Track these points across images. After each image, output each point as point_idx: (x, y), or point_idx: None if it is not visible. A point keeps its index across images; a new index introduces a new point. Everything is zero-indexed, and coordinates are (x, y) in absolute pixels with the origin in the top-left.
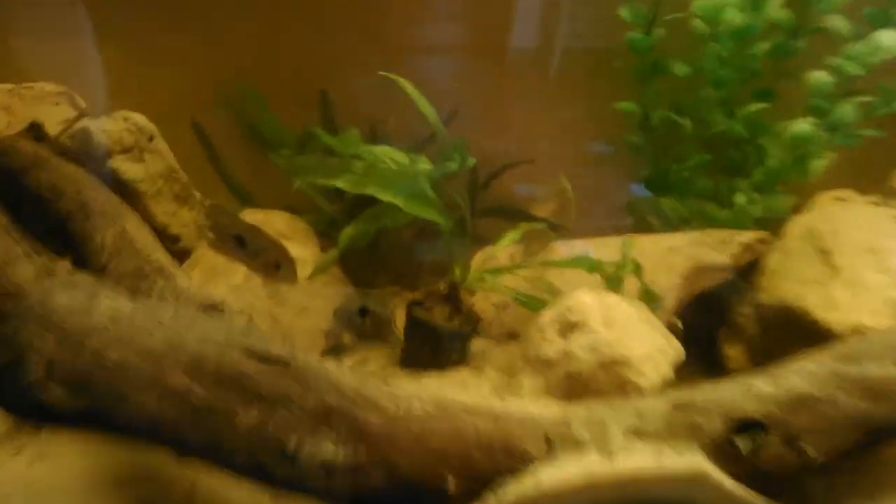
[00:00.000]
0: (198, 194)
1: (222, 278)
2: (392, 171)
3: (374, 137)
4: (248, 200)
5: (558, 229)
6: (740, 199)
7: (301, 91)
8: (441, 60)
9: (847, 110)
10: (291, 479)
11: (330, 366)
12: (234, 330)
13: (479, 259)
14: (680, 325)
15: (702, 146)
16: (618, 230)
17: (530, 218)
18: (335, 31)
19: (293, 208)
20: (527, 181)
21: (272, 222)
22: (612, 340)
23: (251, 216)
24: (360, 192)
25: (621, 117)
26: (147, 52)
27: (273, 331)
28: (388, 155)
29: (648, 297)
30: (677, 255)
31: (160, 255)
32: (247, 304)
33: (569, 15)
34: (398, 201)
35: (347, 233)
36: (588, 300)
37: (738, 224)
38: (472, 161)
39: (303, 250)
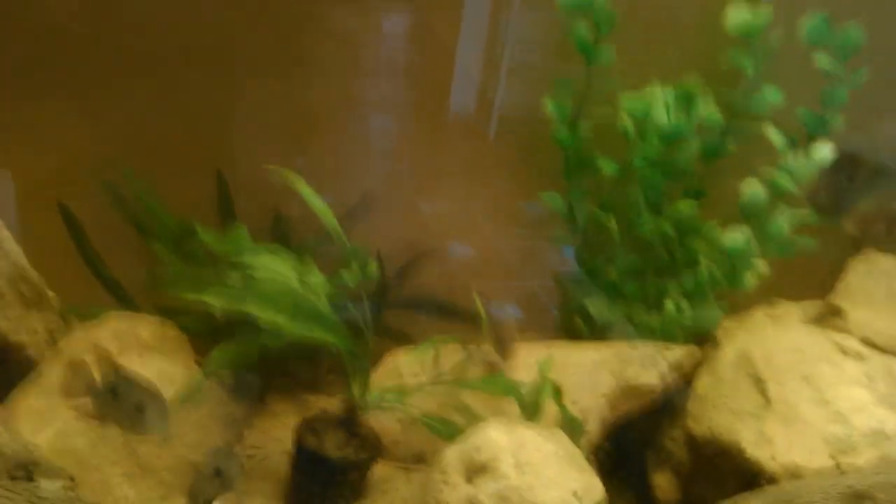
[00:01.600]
0: (52, 294)
1: (66, 402)
2: (274, 285)
3: (277, 228)
4: (123, 298)
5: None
6: (669, 307)
7: (194, 171)
8: (359, 123)
9: (781, 224)
10: None
11: None
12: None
13: (388, 363)
14: (604, 450)
15: (630, 246)
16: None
17: (449, 311)
18: (234, 101)
19: (172, 308)
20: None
21: (136, 330)
22: (523, 486)
23: (114, 322)
24: (235, 309)
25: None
26: (9, 124)
27: (125, 465)
28: (272, 266)
29: (569, 425)
30: (602, 372)
31: None
32: (94, 435)
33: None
34: (280, 320)
35: (216, 357)
36: (499, 438)
37: (666, 332)
38: (372, 268)
39: (171, 365)
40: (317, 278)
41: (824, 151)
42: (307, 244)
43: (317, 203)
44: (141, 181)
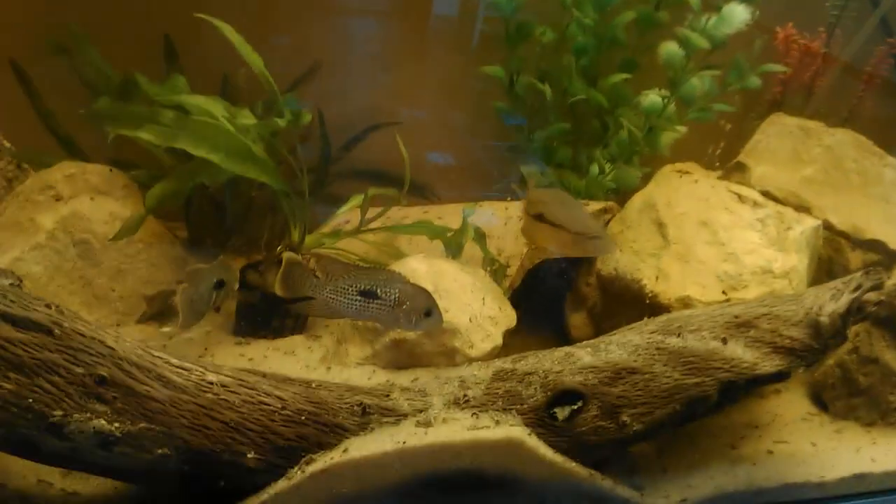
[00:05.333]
0: (7, 144)
1: (24, 236)
2: (207, 124)
3: (225, 91)
4: (76, 153)
5: (426, 194)
6: (593, 169)
7: (144, 36)
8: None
9: (695, 84)
10: (63, 453)
11: (107, 334)
12: None
13: (331, 222)
14: (526, 292)
15: (564, 115)
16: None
17: (391, 181)
18: None
19: (123, 161)
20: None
21: (87, 175)
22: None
23: (66, 168)
24: (168, 145)
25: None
26: None
27: (81, 294)
28: (203, 106)
29: (491, 265)
30: None
31: None
32: (50, 265)
33: None
34: (214, 157)
35: (155, 192)
36: (419, 267)
37: (589, 193)
38: (306, 118)
39: (121, 207)
40: (248, 119)
41: (739, 13)
42: (255, 107)
43: (247, 50)
44: (85, 38)
